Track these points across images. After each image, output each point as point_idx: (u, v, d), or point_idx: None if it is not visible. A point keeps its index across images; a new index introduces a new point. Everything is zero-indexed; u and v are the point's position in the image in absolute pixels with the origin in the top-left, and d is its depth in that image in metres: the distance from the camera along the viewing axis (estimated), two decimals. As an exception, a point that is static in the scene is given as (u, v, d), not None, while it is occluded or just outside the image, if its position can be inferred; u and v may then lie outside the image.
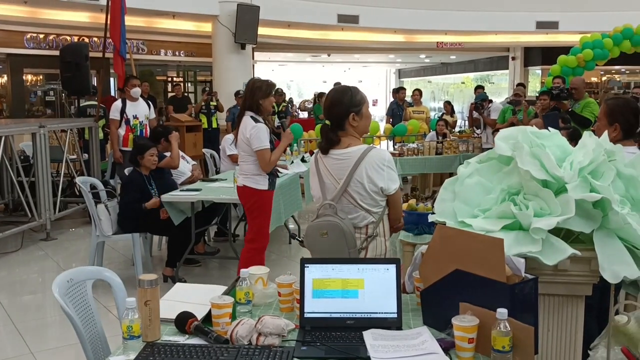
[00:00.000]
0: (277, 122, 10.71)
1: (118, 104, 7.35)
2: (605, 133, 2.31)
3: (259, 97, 4.34)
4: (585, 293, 2.19)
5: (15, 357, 3.96)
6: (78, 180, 5.29)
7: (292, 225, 7.13)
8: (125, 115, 7.30)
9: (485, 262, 1.92)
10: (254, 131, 4.26)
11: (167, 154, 5.78)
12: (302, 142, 8.85)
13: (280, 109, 11.78)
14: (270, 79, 4.48)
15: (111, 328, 2.84)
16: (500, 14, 15.80)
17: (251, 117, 4.34)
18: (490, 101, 9.16)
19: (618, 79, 19.99)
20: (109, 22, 8.20)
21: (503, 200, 2.19)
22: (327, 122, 2.86)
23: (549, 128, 2.37)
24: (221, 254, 5.90)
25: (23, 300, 5.05)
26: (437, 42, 17.27)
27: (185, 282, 5.28)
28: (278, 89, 12.79)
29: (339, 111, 2.83)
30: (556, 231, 2.10)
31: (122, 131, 7.32)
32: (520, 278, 1.93)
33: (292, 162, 6.88)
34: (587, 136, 2.22)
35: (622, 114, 3.17)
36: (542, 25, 16.14)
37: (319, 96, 14.57)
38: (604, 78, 20.61)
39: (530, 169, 2.09)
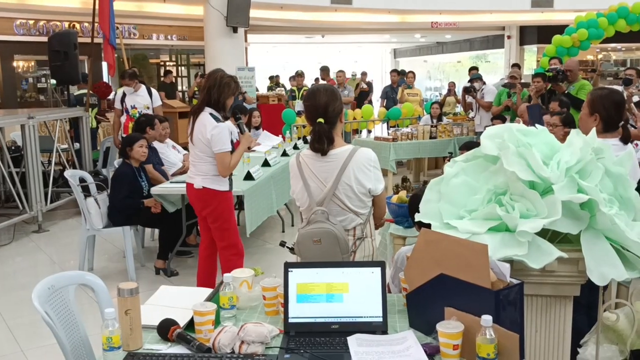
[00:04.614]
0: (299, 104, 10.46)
1: (119, 93, 7.48)
2: (594, 130, 2.26)
3: (227, 95, 4.00)
4: (573, 294, 2.17)
5: (4, 355, 3.89)
6: (67, 173, 5.22)
7: (282, 212, 7.08)
8: (124, 105, 7.34)
9: (470, 267, 1.89)
10: (216, 132, 3.91)
11: (155, 143, 5.73)
12: (295, 128, 8.75)
13: (302, 93, 11.31)
14: (235, 77, 4.09)
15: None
16: (495, -8, 15.65)
17: (211, 114, 3.97)
18: (483, 82, 9.07)
19: (612, 60, 19.82)
20: (97, 8, 8.11)
21: (489, 201, 2.15)
22: (321, 120, 2.65)
23: (535, 124, 2.32)
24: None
25: (14, 295, 4.98)
26: (432, 22, 17.10)
27: (177, 274, 5.27)
28: (298, 70, 12.61)
29: (337, 108, 2.71)
30: (543, 231, 2.06)
31: (124, 119, 7.38)
32: (506, 283, 1.89)
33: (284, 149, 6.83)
34: (574, 134, 2.17)
35: (602, 104, 3.13)
36: (537, 4, 15.97)
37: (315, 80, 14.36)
38: (599, 56, 20.48)
39: (516, 170, 2.04)
